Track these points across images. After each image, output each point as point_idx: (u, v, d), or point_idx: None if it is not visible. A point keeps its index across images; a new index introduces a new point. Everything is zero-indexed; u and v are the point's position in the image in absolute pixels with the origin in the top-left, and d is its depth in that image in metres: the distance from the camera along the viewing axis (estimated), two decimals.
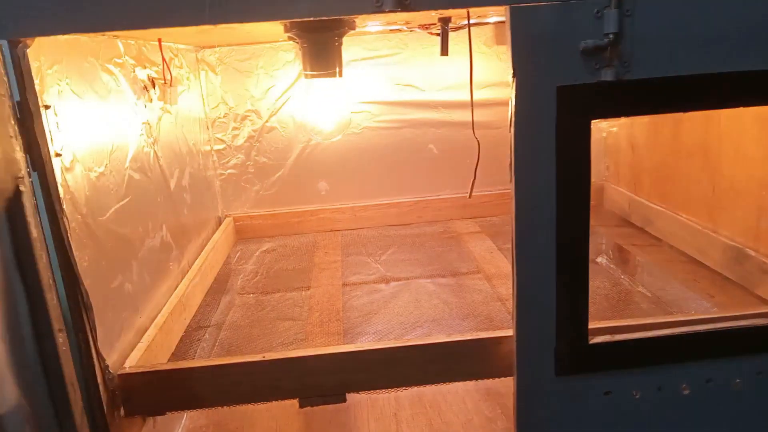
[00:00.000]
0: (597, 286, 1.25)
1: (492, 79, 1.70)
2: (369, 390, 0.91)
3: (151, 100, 1.17)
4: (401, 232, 1.70)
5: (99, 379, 0.83)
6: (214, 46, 1.61)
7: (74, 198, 0.82)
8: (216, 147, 1.68)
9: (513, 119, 0.77)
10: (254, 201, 1.73)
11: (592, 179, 1.76)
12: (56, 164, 0.76)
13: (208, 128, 1.65)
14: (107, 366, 0.85)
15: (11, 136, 0.70)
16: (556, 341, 0.84)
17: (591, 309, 1.13)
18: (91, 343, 0.82)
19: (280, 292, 1.35)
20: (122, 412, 0.87)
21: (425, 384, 0.91)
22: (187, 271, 1.30)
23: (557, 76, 0.76)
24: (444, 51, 1.18)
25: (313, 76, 1.00)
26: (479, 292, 1.25)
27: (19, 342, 0.71)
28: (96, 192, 0.89)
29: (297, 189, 1.73)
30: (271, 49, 1.63)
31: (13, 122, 0.71)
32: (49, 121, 0.76)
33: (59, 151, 0.78)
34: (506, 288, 1.24)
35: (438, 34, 1.47)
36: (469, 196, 1.23)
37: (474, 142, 1.75)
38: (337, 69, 1.02)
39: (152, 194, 1.15)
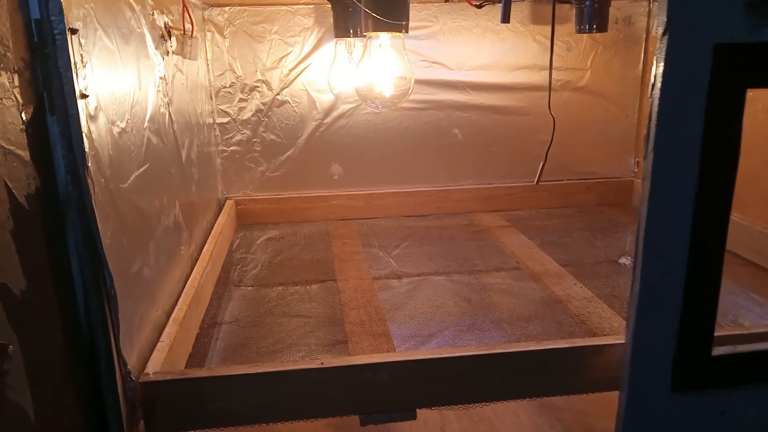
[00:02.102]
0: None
1: (525, 62, 1.57)
2: (444, 405, 0.76)
3: (168, 53, 0.99)
4: (422, 224, 1.55)
5: (119, 389, 0.65)
6: (223, 4, 1.42)
7: (98, 156, 0.64)
8: (219, 120, 1.49)
9: (659, 85, 0.63)
10: (259, 183, 1.55)
11: (619, 175, 1.66)
12: (81, 108, 0.58)
13: (211, 98, 1.46)
14: (129, 372, 0.67)
15: (23, 67, 0.52)
16: (675, 351, 0.71)
17: (610, 314, 1.01)
18: (113, 343, 0.64)
19: (295, 286, 1.18)
20: (142, 429, 0.70)
21: (509, 399, 0.77)
22: (196, 257, 1.12)
23: (716, 32, 0.63)
24: (506, 17, 1.04)
25: (376, 30, 0.84)
26: (533, 292, 1.11)
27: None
28: (119, 152, 0.71)
29: (307, 171, 1.56)
30: (288, 13, 1.45)
31: (27, 48, 0.53)
32: (74, 51, 0.58)
33: (85, 92, 0.60)
34: (561, 288, 1.11)
35: (480, 5, 1.34)
36: (536, 182, 1.09)
37: (504, 129, 1.60)
38: (405, 23, 0.86)
39: (167, 163, 0.96)
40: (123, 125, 0.74)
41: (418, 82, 1.53)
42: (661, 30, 0.62)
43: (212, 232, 1.27)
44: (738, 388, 0.75)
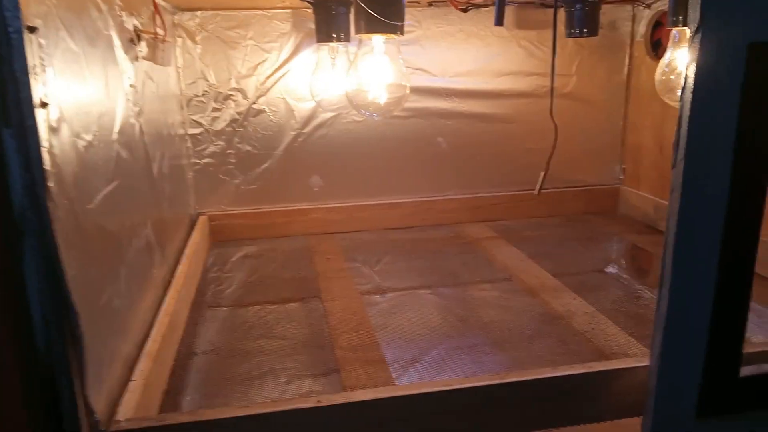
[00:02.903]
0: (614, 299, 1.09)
1: (511, 68, 1.52)
2: None
3: (137, 58, 0.90)
4: (407, 236, 1.48)
5: None
6: (195, 8, 1.33)
7: (61, 174, 0.55)
8: (191, 131, 1.40)
9: (691, 87, 0.58)
10: (234, 197, 1.47)
11: (605, 182, 1.62)
12: (40, 119, 0.50)
13: (182, 108, 1.37)
14: (97, 421, 0.58)
15: None
16: (702, 375, 0.66)
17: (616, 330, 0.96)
18: (78, 390, 0.56)
19: (273, 305, 1.10)
20: None
21: (530, 430, 0.71)
22: (169, 279, 1.03)
23: (750, 30, 0.58)
24: (499, 20, 0.99)
25: (370, 32, 0.77)
26: (531, 307, 1.06)
27: None
28: (84, 169, 0.63)
29: (285, 184, 1.48)
30: (263, 17, 1.38)
31: None
32: (33, 53, 0.50)
33: (45, 100, 0.52)
34: (560, 303, 1.06)
35: (465, 9, 1.28)
36: (538, 192, 1.03)
37: (489, 137, 1.55)
38: (401, 24, 0.80)
39: (138, 179, 0.88)
40: (89, 138, 0.65)
41: None
42: (693, 28, 0.56)
43: (185, 251, 1.18)
44: (765, 410, 0.70)
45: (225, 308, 1.11)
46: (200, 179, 1.44)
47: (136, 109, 0.88)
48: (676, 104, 1.19)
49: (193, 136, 1.40)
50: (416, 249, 1.39)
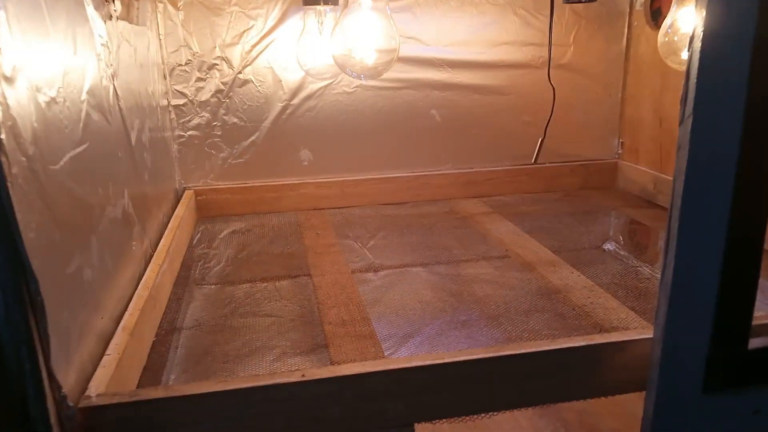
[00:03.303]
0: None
1: (506, 37, 1.47)
2: (447, 417, 0.66)
3: (111, 17, 0.85)
4: (400, 212, 1.44)
5: (53, 419, 0.53)
6: None
7: (16, 128, 0.50)
8: (174, 101, 1.35)
9: (701, 35, 0.54)
10: (220, 171, 1.42)
11: (603, 157, 1.58)
12: None
13: (165, 77, 1.32)
14: (64, 396, 0.54)
15: None
16: (709, 347, 0.63)
17: (615, 304, 0.93)
18: (42, 362, 0.52)
19: (262, 282, 1.06)
20: None
21: (523, 406, 0.67)
22: (151, 253, 0.99)
23: None
24: None
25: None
26: (527, 282, 1.02)
27: None
28: (47, 126, 0.58)
29: (274, 158, 1.43)
30: None
31: None
32: None
33: None
34: (558, 277, 1.02)
35: None
36: (534, 161, 0.99)
37: (484, 110, 1.49)
38: None
39: (113, 146, 0.83)
40: (52, 94, 0.60)
41: None
42: None
43: (169, 225, 1.13)
44: None
45: (211, 285, 1.06)
46: (185, 152, 1.38)
47: (110, 70, 0.83)
48: (679, 67, 1.15)
49: (176, 107, 1.35)
50: (410, 225, 1.35)
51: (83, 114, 0.70)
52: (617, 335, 0.68)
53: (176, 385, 0.60)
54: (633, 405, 0.91)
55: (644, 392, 0.71)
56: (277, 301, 0.99)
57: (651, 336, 0.63)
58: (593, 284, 0.99)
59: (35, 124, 0.55)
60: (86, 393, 0.59)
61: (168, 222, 1.16)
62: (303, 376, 0.61)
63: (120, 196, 0.84)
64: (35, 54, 0.57)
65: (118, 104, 0.87)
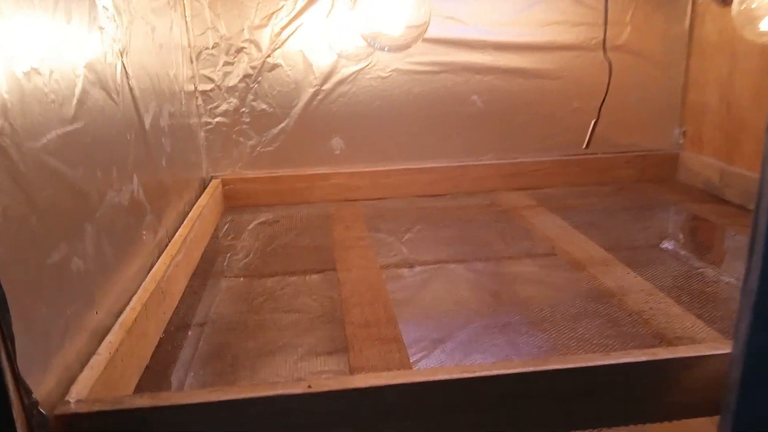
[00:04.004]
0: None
1: (556, 17, 1.35)
2: None
3: None
4: (437, 205, 1.35)
5: (19, 428, 0.46)
6: None
7: None
8: (201, 87, 1.29)
9: None
10: (249, 159, 1.35)
11: (662, 147, 1.44)
12: None
13: (192, 61, 1.26)
14: (35, 402, 0.48)
15: None
16: None
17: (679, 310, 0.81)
18: (4, 362, 0.45)
19: (291, 276, 0.98)
20: None
21: (567, 430, 0.57)
22: (166, 244, 0.92)
23: None
24: None
25: None
26: (576, 283, 0.91)
27: None
28: (23, 99, 0.51)
29: (304, 146, 1.36)
30: None
31: None
32: None
33: None
34: (611, 278, 0.91)
35: None
36: (586, 146, 0.88)
37: (530, 96, 1.37)
38: None
39: (119, 126, 0.77)
40: (34, 65, 0.54)
41: (430, 41, 1.33)
42: None
43: (189, 214, 1.07)
44: None
45: (231, 278, 1.00)
46: (212, 140, 1.33)
47: (117, 46, 0.77)
48: (758, 39, 1.01)
49: (203, 92, 1.29)
50: (447, 218, 1.26)
51: (78, 90, 0.64)
52: (685, 350, 0.57)
53: (164, 393, 0.52)
54: (697, 428, 0.80)
55: (716, 417, 0.60)
56: (298, 298, 0.91)
57: (728, 352, 0.52)
58: (652, 287, 0.87)
59: (6, 95, 0.48)
60: (66, 398, 0.52)
61: (189, 211, 1.10)
62: (309, 387, 0.53)
63: (127, 181, 0.77)
64: (10, 16, 0.50)
65: (128, 83, 0.81)
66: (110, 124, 0.73)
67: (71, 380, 0.55)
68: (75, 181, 0.61)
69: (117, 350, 0.61)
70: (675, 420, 0.58)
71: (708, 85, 1.37)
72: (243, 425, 0.52)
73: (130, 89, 0.82)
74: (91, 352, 0.60)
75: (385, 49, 0.98)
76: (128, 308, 0.70)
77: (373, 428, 0.54)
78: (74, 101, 0.62)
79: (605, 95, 0.90)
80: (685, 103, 1.45)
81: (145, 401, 0.51)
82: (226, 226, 1.26)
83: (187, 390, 0.64)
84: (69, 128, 0.60)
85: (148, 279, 0.78)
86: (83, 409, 0.51)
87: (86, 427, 0.50)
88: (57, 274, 0.55)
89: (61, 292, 0.56)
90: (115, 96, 0.75)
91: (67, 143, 0.59)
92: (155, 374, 0.70)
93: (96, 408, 0.51)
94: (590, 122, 1.25)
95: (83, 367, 0.58)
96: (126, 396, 0.52)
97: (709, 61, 1.37)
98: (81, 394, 0.53)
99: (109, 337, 0.63)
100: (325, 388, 0.53)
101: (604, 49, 0.87)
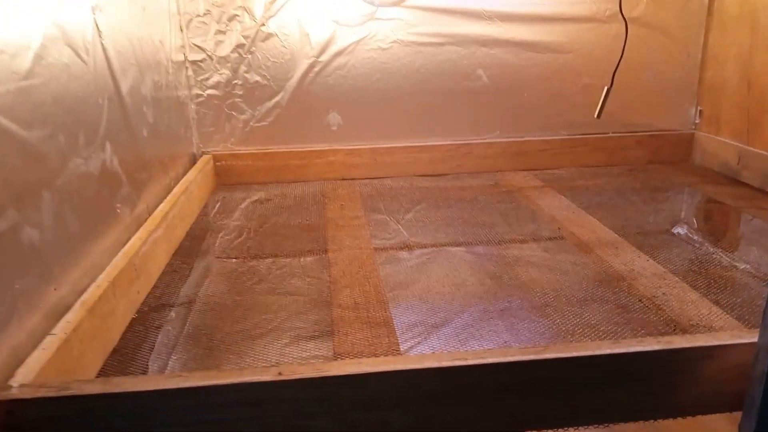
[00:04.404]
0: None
1: None
2: None
3: None
4: (438, 184, 1.28)
5: None
6: None
7: None
8: (192, 57, 1.23)
9: None
10: (241, 135, 1.29)
11: (677, 127, 1.37)
12: None
13: (181, 29, 1.20)
14: None
15: None
16: None
17: (695, 296, 0.75)
18: None
19: (283, 257, 0.93)
20: None
21: (574, 426, 0.51)
22: (146, 220, 0.87)
23: None
24: None
25: None
26: (583, 267, 0.85)
27: None
28: None
29: (300, 121, 1.30)
30: None
31: None
32: None
33: None
34: (621, 261, 0.85)
35: None
36: (598, 116, 0.82)
37: (539, 70, 1.28)
38: None
39: (88, 89, 0.70)
40: None
41: (433, 9, 1.26)
42: None
43: (174, 189, 1.02)
44: None
45: (216, 258, 0.94)
46: (203, 114, 1.26)
47: (90, 2, 0.71)
48: None
49: (194, 62, 1.23)
50: (449, 199, 1.19)
51: (36, 44, 0.58)
52: (705, 338, 0.51)
53: (117, 378, 0.47)
54: (711, 419, 0.73)
55: (737, 413, 0.54)
56: (286, 279, 0.85)
57: (752, 341, 0.46)
58: (665, 271, 0.81)
59: None
60: (9, 382, 0.47)
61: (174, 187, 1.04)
62: (280, 374, 0.47)
63: (97, 149, 0.71)
64: None
65: (101, 43, 0.75)
66: (77, 84, 0.67)
67: (19, 362, 0.50)
68: (29, 143, 0.55)
69: (75, 330, 0.56)
70: (690, 416, 0.52)
71: (728, 61, 1.30)
72: (205, 415, 0.46)
73: (104, 50, 0.75)
74: (47, 332, 0.55)
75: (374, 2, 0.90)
76: (93, 285, 0.64)
77: (352, 420, 0.48)
78: (30, 55, 0.56)
79: (620, 58, 0.83)
80: (703, 80, 1.37)
81: (94, 387, 0.46)
82: (216, 204, 1.20)
83: (145, 375, 0.58)
84: (23, 84, 0.54)
85: (119, 255, 0.73)
86: (26, 394, 0.45)
87: (29, 415, 0.45)
88: (4, 245, 0.50)
89: (6, 263, 0.50)
90: (83, 55, 0.69)
91: (19, 100, 0.53)
92: (123, 358, 0.65)
93: (40, 394, 0.45)
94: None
95: (35, 347, 0.52)
96: (74, 381, 0.47)
97: (730, 35, 1.29)
98: (27, 378, 0.48)
99: (67, 316, 0.57)
100: (298, 376, 0.47)
101: (621, 6, 0.79)
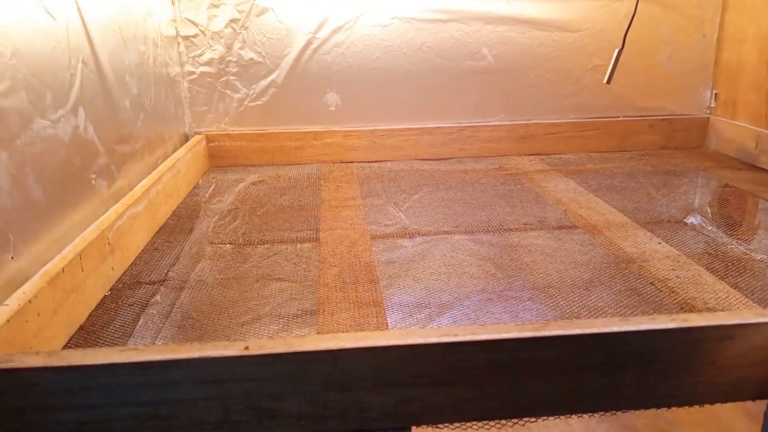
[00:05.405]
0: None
1: None
2: (457, 422, 0.45)
3: None
4: (440, 168, 1.23)
5: None
6: None
7: None
8: (184, 31, 1.18)
9: None
10: (236, 114, 1.24)
11: (691, 111, 1.30)
12: None
13: (173, 3, 1.15)
14: None
15: None
16: None
17: (711, 279, 0.70)
18: None
19: (276, 242, 0.88)
20: None
21: (576, 413, 0.46)
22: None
23: None
24: None
25: None
26: (590, 248, 0.79)
27: None
28: None
29: (296, 101, 1.25)
30: None
31: None
32: None
33: None
34: (631, 243, 0.79)
35: None
36: (607, 81, 0.76)
37: (546, 50, 1.24)
38: None
39: (59, 48, 0.66)
40: None
41: None
42: None
43: (160, 166, 0.97)
44: None
45: (201, 239, 0.89)
46: (196, 92, 1.22)
47: None
48: None
49: (186, 38, 1.18)
50: (452, 183, 1.14)
51: None
52: (724, 316, 0.45)
53: (63, 351, 0.42)
54: (726, 413, 0.68)
55: (760, 402, 0.48)
56: (269, 257, 0.81)
57: None
58: (679, 253, 0.75)
59: None
60: None
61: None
62: (246, 348, 0.42)
63: (69, 113, 0.67)
64: None
65: (77, 5, 0.70)
66: (44, 41, 0.62)
67: None
68: None
69: (30, 302, 0.51)
70: (708, 404, 0.47)
71: (746, 41, 1.23)
72: (161, 393, 0.41)
73: (78, 9, 0.71)
74: None
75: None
76: (58, 257, 0.59)
77: (325, 402, 0.43)
78: None
79: (632, 17, 0.77)
80: (719, 62, 1.31)
81: (38, 360, 0.41)
82: (208, 185, 1.16)
83: (94, 348, 0.53)
84: None
85: (91, 228, 0.68)
86: None
87: None
88: None
89: None
90: (52, 11, 0.64)
91: None
92: (89, 335, 0.60)
93: None
94: (613, 82, 1.12)
95: None
96: (15, 354, 0.42)
97: (749, 13, 1.22)
98: None
99: (24, 287, 0.53)
100: (267, 350, 0.42)
101: None
